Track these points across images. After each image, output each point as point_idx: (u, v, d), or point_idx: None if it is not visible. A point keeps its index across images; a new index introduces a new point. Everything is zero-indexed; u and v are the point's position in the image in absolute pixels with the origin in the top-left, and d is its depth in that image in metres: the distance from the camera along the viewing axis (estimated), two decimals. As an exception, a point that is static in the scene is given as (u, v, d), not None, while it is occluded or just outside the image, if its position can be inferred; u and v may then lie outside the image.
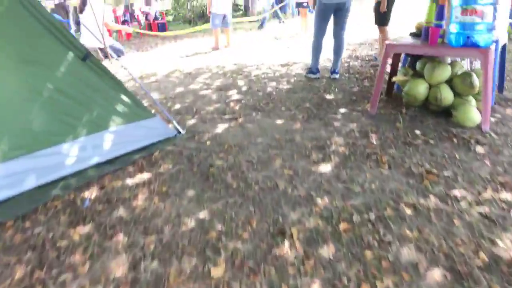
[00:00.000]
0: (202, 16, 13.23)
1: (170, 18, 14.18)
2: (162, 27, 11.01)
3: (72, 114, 2.66)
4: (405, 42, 3.36)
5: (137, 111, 2.98)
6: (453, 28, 3.09)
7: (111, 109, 2.85)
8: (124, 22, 10.07)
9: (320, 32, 4.82)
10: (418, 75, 3.60)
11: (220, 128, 3.32)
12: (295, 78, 5.02)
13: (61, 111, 2.62)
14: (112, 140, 2.77)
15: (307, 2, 8.80)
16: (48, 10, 9.65)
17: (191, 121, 3.51)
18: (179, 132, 3.16)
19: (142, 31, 10.49)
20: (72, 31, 8.96)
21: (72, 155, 2.57)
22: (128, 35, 10.17)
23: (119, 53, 7.24)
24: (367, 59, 5.97)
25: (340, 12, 4.67)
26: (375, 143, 2.90)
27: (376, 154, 2.71)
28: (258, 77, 5.15)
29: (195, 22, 13.11)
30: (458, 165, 2.54)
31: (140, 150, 2.86)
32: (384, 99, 3.89)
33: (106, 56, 6.80)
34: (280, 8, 13.33)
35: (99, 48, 6.95)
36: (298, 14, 13.21)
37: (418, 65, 3.64)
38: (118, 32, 10.24)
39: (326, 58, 5.77)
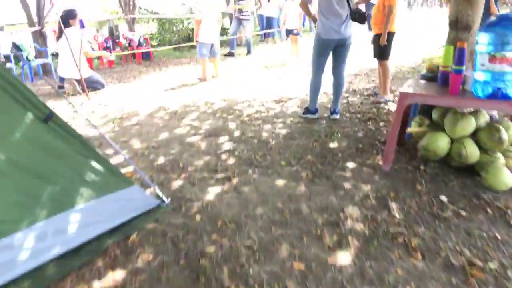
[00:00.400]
0: (188, 40, 12.84)
1: (155, 42, 13.74)
2: (147, 54, 10.54)
3: (28, 192, 2.14)
4: (422, 91, 2.95)
5: (111, 180, 2.48)
6: (479, 76, 2.69)
7: (79, 181, 2.34)
8: (106, 49, 9.58)
9: (319, 70, 4.43)
10: (435, 124, 3.19)
11: (212, 193, 2.82)
12: (292, 118, 4.58)
13: (15, 190, 2.10)
14: (79, 222, 2.25)
15: (298, 30, 8.48)
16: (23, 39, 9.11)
17: (177, 183, 3.01)
18: (163, 201, 2.66)
19: (125, 52, 10.01)
20: (49, 59, 8.44)
21: (27, 247, 2.04)
22: (110, 62, 9.67)
23: (98, 85, 6.75)
24: (366, 93, 5.59)
25: (341, 48, 4.29)
26: (398, 216, 2.44)
27: (403, 235, 2.24)
28: (251, 117, 4.69)
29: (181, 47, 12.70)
30: (503, 251, 2.09)
31: (115, 231, 2.34)
32: (395, 149, 3.46)
33: (83, 90, 6.30)
34: (267, 33, 13.03)
35: (76, 80, 6.46)
36: (287, 38, 12.93)
37: (435, 114, 3.23)
38: (100, 59, 9.74)
39: (322, 92, 5.36)
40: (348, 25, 4.24)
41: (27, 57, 8.01)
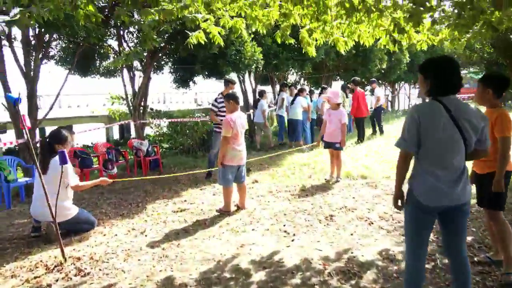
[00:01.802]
0: (203, 144, 11.49)
1: (165, 144, 12.41)
2: (155, 164, 9.02)
3: None
4: None
5: None
6: None
7: None
8: (107, 162, 8.07)
9: (418, 251, 2.72)
10: None
11: None
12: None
13: None
14: None
15: (340, 143, 6.94)
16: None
17: None
18: None
19: (130, 157, 8.47)
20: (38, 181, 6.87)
21: None
22: (111, 176, 8.10)
23: (87, 225, 5.03)
24: (475, 258, 3.74)
25: (455, 216, 2.63)
26: None
27: None
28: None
29: (194, 151, 11.29)
30: None
31: None
32: None
33: (60, 245, 4.55)
34: (291, 136, 11.66)
35: (54, 223, 4.73)
36: (312, 141, 11.50)
37: None
38: (99, 172, 8.17)
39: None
40: (467, 182, 2.60)
41: (6, 178, 6.44)
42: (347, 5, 4.42)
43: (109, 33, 9.78)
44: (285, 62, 11.40)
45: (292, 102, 11.49)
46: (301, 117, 11.38)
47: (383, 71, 16.12)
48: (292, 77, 16.74)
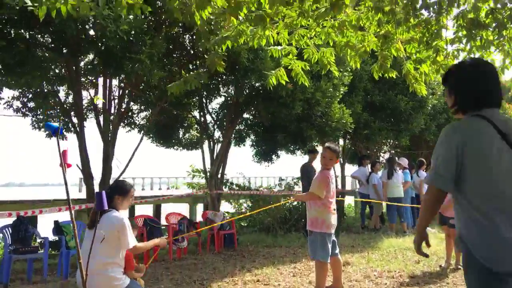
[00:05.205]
0: (285, 222, 10.31)
1: (244, 223, 11.46)
2: (230, 239, 8.03)
3: None
4: None
5: None
6: None
7: None
8: (177, 233, 7.28)
9: None
10: None
11: None
12: None
13: None
14: None
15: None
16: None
17: None
18: None
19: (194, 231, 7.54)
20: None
21: None
22: (180, 250, 7.23)
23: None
24: None
25: None
26: None
27: None
28: None
29: (275, 230, 10.09)
30: None
31: None
32: None
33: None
34: (391, 216, 9.92)
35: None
36: (414, 224, 9.70)
37: None
38: (169, 245, 7.32)
39: None
40: None
41: (67, 244, 5.90)
42: (471, 15, 3.36)
43: (192, 104, 9.71)
44: (378, 132, 10.19)
45: (390, 176, 9.82)
46: (401, 193, 9.71)
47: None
48: (385, 156, 15.23)
